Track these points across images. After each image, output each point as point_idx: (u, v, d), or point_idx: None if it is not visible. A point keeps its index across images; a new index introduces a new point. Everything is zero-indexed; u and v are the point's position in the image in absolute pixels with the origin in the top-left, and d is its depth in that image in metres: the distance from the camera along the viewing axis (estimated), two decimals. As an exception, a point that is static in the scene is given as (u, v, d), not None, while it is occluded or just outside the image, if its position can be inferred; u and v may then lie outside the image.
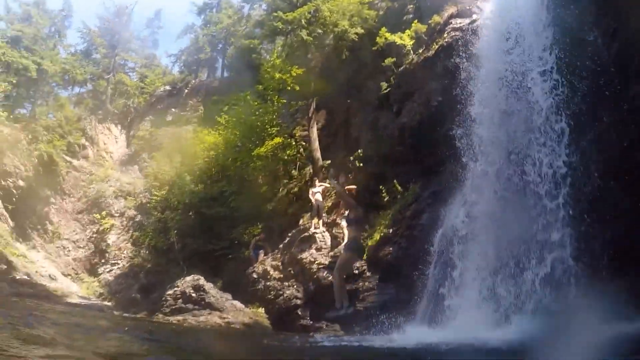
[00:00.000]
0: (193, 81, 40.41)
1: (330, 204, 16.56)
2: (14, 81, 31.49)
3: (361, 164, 16.30)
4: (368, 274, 12.86)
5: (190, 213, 23.43)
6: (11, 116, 29.63)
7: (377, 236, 13.68)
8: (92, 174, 33.21)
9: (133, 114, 38.17)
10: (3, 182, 27.75)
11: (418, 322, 9.57)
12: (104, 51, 41.96)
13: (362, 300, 12.38)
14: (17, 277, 21.06)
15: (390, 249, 12.61)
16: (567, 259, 7.81)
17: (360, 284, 12.72)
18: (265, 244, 18.05)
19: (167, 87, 40.07)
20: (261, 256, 17.26)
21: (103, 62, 41.84)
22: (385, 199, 14.42)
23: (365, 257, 13.38)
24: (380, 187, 14.63)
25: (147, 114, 37.80)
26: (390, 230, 13.17)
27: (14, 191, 28.19)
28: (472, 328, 8.00)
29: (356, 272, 13.02)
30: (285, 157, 20.20)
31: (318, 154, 17.96)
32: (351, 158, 16.69)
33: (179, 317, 13.94)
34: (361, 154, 16.51)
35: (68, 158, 32.61)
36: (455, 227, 10.26)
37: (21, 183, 28.57)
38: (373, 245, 13.47)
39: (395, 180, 14.26)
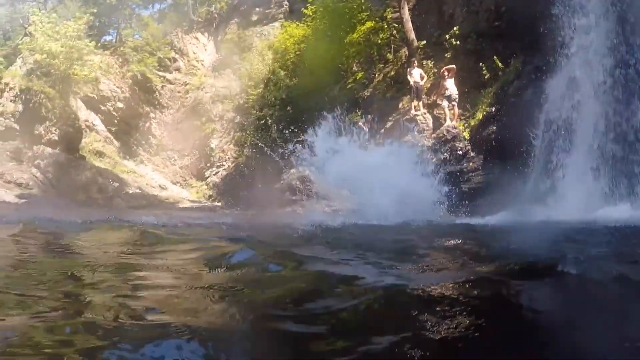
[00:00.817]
0: (273, -24, 39.50)
1: (429, 85, 16.16)
2: (95, 11, 32.07)
3: (458, 42, 15.62)
4: (472, 154, 12.72)
5: (289, 107, 23.62)
6: (99, 44, 30.62)
7: (479, 115, 13.35)
8: (186, 84, 34.27)
9: (217, 19, 38.11)
10: (103, 107, 29.65)
11: (525, 201, 9.34)
12: (177, -38, 41.54)
13: (467, 181, 12.33)
14: (130, 192, 22.71)
15: (494, 127, 12.29)
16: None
17: (465, 164, 12.62)
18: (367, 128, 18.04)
19: (248, -13, 39.45)
20: (364, 142, 17.38)
21: (179, -27, 41.57)
22: (486, 77, 13.94)
23: (469, 136, 13.16)
24: (480, 64, 14.10)
25: (232, 17, 37.63)
26: (493, 109, 12.81)
27: (115, 113, 30.10)
28: (580, 207, 7.83)
29: (460, 152, 12.90)
30: (379, 41, 19.68)
31: (412, 35, 17.23)
32: (447, 37, 15.99)
33: (288, 209, 14.56)
34: (457, 32, 15.75)
35: (161, 73, 33.75)
36: (561, 104, 9.77)
37: (120, 105, 30.30)
38: (476, 125, 13.20)
39: (495, 57, 13.62)
